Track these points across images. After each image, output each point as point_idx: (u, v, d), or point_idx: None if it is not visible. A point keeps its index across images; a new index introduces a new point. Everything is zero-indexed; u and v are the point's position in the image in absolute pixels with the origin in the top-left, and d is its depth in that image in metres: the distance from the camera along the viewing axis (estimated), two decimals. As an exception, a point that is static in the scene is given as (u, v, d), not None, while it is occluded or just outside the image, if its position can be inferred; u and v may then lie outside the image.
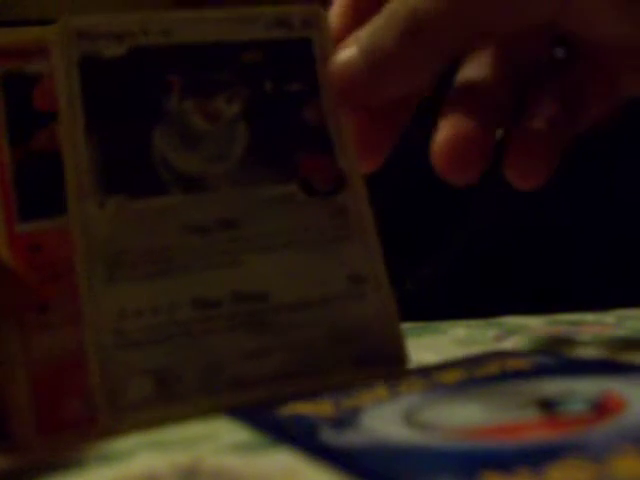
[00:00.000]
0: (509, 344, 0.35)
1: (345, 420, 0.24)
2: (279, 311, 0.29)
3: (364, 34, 0.31)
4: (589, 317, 0.40)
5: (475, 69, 0.33)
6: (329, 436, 0.23)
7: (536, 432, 0.21)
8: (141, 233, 0.28)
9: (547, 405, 0.23)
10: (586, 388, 0.24)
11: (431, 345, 0.36)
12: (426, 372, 0.29)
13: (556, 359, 0.29)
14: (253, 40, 0.31)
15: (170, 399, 0.27)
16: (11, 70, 0.29)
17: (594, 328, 0.37)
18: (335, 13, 0.33)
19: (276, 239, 0.30)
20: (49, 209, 0.28)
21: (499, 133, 0.56)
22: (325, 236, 0.30)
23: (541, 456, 0.19)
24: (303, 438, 0.23)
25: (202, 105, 0.30)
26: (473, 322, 0.41)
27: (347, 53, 0.31)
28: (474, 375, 0.28)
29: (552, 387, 0.25)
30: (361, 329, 0.30)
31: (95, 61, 0.29)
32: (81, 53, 0.29)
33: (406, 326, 0.31)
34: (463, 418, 0.23)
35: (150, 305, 0.28)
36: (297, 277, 0.30)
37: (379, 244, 0.31)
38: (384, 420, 0.23)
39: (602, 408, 0.22)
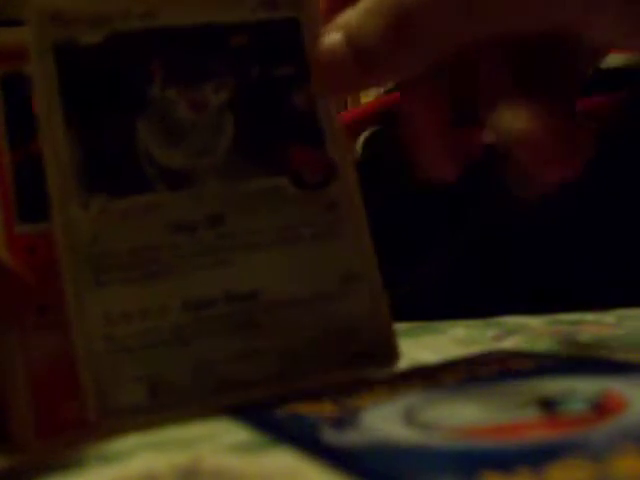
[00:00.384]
0: (509, 344, 0.35)
1: (345, 420, 0.24)
2: (270, 311, 0.29)
3: (351, 19, 0.29)
4: (589, 317, 0.40)
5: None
6: (329, 436, 0.23)
7: (536, 432, 0.21)
8: (127, 234, 0.28)
9: (547, 405, 0.23)
10: (586, 388, 0.24)
11: (430, 345, 0.36)
12: (426, 372, 0.29)
13: (556, 359, 0.29)
14: (238, 22, 0.30)
15: (163, 404, 0.27)
16: (10, 72, 0.29)
17: (594, 328, 0.37)
18: None
19: (266, 235, 0.29)
20: (48, 211, 0.28)
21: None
22: (316, 232, 0.30)
23: (541, 456, 0.19)
24: (303, 438, 0.23)
25: (187, 93, 0.29)
26: (472, 322, 0.41)
27: (333, 39, 0.29)
28: (474, 375, 0.28)
29: (552, 387, 0.25)
30: (352, 328, 0.30)
31: (71, 48, 0.28)
32: (56, 39, 0.28)
33: (406, 326, 0.31)
34: (463, 418, 0.23)
35: (139, 308, 0.27)
36: (288, 275, 0.29)
37: (370, 238, 0.31)
38: (384, 420, 0.23)
39: (602, 408, 0.22)
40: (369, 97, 0.74)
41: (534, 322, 0.39)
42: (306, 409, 0.26)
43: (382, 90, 0.66)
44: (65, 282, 0.27)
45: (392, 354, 0.30)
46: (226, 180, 0.29)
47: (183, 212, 0.29)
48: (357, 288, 0.30)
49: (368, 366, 0.30)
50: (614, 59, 0.52)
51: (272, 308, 0.29)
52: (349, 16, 0.30)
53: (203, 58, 0.30)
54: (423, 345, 0.36)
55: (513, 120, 0.30)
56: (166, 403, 0.27)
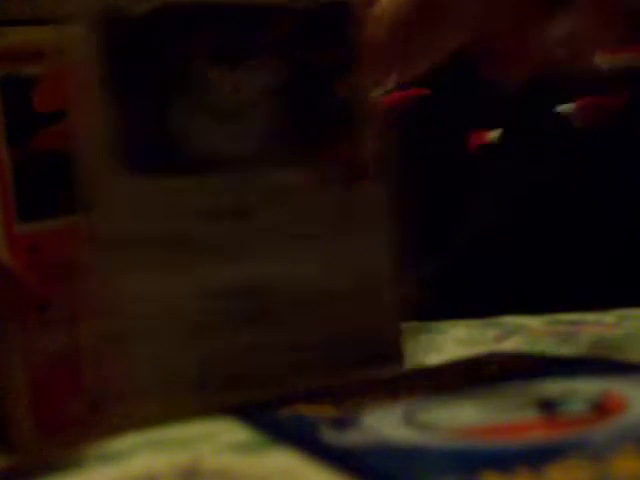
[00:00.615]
0: (509, 344, 0.35)
1: (346, 420, 0.24)
2: (284, 307, 0.29)
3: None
4: (589, 317, 0.40)
5: None
6: (329, 436, 0.23)
7: (536, 432, 0.21)
8: (155, 218, 0.27)
9: (547, 405, 0.23)
10: (586, 388, 0.24)
11: (431, 345, 0.36)
12: (426, 372, 0.29)
13: (556, 359, 0.29)
14: (286, 4, 0.29)
15: (173, 392, 0.27)
16: (10, 72, 0.29)
17: (594, 328, 0.37)
18: None
19: (290, 229, 0.29)
20: (48, 210, 0.28)
21: (497, 133, 0.56)
22: (339, 229, 0.30)
23: (541, 456, 0.19)
24: (303, 438, 0.23)
25: (229, 74, 0.28)
26: (473, 322, 0.41)
27: (376, 23, 0.29)
28: (474, 375, 0.28)
29: (552, 387, 0.25)
30: (364, 328, 0.30)
31: (117, 19, 0.27)
32: (103, 8, 0.27)
33: (406, 326, 0.31)
34: (463, 418, 0.23)
35: (159, 294, 0.27)
36: (306, 273, 0.29)
37: (392, 240, 0.30)
38: (385, 420, 0.23)
39: (602, 408, 0.22)
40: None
41: (534, 322, 0.39)
42: (306, 409, 0.26)
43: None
44: (89, 263, 0.27)
45: (400, 355, 0.30)
46: (258, 169, 0.29)
47: (213, 200, 0.28)
48: (372, 289, 0.30)
49: (377, 366, 0.30)
50: (614, 59, 0.52)
51: (286, 305, 0.29)
52: None
53: (248, 39, 0.29)
54: (423, 345, 0.36)
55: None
56: (176, 391, 0.27)
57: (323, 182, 0.30)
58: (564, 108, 0.53)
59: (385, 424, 0.23)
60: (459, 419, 0.23)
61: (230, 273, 0.28)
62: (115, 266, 0.27)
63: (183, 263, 0.28)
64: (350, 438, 0.22)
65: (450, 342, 0.37)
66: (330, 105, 0.30)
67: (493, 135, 0.56)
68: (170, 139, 0.28)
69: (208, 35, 0.28)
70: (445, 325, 0.41)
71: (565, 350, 0.33)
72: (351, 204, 0.30)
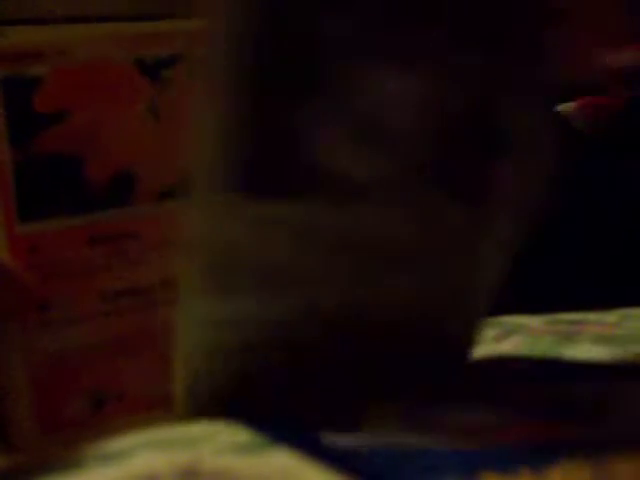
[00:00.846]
0: (509, 344, 0.35)
1: (346, 421, 0.24)
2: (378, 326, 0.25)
3: None
4: (590, 316, 0.40)
5: None
6: (330, 437, 0.23)
7: (536, 432, 0.21)
8: (250, 245, 0.23)
9: (546, 405, 0.23)
10: (586, 389, 0.24)
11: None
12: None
13: (555, 361, 0.29)
14: None
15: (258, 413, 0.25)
16: (12, 73, 0.29)
17: (595, 328, 0.37)
18: None
19: (403, 260, 0.24)
20: (49, 211, 0.28)
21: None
22: (451, 251, 0.25)
23: (541, 456, 0.19)
24: (303, 439, 0.23)
25: (383, 80, 0.21)
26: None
27: None
28: (474, 375, 0.28)
29: (552, 388, 0.25)
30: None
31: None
32: None
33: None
34: (463, 418, 0.23)
35: (246, 319, 0.25)
36: (407, 296, 0.25)
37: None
38: (385, 421, 0.23)
39: (601, 408, 0.22)
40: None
41: (534, 322, 0.39)
42: (307, 410, 0.26)
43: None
44: (179, 282, 0.25)
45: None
46: (392, 201, 0.22)
47: (325, 234, 0.22)
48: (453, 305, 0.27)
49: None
50: (614, 59, 0.52)
51: (381, 325, 0.25)
52: None
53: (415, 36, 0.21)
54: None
55: None
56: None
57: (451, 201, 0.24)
58: (564, 108, 0.53)
59: (385, 425, 0.23)
60: (460, 419, 0.23)
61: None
62: (200, 291, 0.25)
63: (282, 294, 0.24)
64: (350, 439, 0.22)
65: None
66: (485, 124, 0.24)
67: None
68: (288, 156, 0.22)
69: (343, 19, 0.21)
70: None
71: (565, 350, 0.33)
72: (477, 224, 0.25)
